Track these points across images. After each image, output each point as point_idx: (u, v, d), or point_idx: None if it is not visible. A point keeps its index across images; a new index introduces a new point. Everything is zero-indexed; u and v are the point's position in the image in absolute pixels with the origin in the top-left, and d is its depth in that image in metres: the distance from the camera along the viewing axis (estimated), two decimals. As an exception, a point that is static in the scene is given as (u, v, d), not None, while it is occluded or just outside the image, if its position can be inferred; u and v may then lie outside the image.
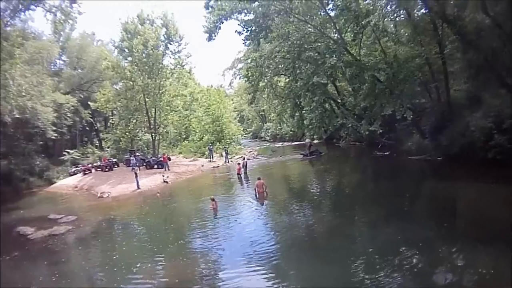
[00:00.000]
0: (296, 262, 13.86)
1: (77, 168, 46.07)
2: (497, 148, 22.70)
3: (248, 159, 44.42)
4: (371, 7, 32.05)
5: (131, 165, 40.75)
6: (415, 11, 32.80)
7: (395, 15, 33.33)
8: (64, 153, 50.68)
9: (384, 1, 30.65)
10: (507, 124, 22.42)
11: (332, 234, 16.67)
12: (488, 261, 11.81)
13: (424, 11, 31.68)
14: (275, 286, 12.12)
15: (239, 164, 36.87)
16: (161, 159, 43.80)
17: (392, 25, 37.07)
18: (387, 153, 37.15)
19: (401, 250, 13.29)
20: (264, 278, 12.59)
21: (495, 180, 20.45)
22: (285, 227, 18.43)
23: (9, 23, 34.96)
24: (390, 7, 30.73)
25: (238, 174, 34.77)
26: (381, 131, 34.51)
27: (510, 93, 24.53)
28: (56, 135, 44.59)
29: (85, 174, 43.30)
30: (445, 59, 30.30)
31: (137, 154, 46.73)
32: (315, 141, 55.85)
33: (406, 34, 35.16)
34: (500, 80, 25.47)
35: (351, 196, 24.96)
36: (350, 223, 18.07)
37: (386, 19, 32.42)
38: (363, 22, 31.56)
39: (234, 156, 52.11)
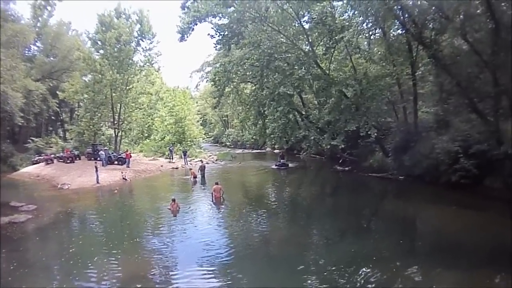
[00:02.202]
0: (248, 268, 14.06)
1: (40, 157, 45.28)
2: (462, 172, 22.94)
3: (207, 163, 45.34)
4: (347, 23, 31.93)
5: (100, 159, 40.34)
6: (391, 31, 33.00)
7: (370, 33, 33.76)
8: (29, 140, 50.44)
9: (361, 19, 30.34)
10: (474, 149, 22.68)
11: (286, 243, 16.96)
12: (439, 280, 12.22)
13: (401, 32, 31.62)
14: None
15: (191, 169, 38.77)
16: (123, 155, 43.59)
17: (366, 43, 37.64)
18: (348, 168, 37.53)
19: (353, 263, 13.57)
20: (215, 282, 12.80)
21: (456, 203, 21.13)
22: (239, 233, 18.76)
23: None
24: (366, 25, 30.94)
25: (194, 178, 35.02)
26: (343, 146, 34.86)
27: (481, 119, 24.77)
28: (22, 121, 43.93)
29: (47, 164, 42.51)
30: (416, 81, 30.62)
31: (105, 148, 46.42)
32: (276, 151, 56.38)
33: (379, 52, 35.52)
34: (472, 105, 25.49)
35: (308, 208, 25.09)
36: (305, 234, 18.39)
37: (360, 36, 32.86)
38: (336, 37, 31.59)
39: (194, 159, 52.38)
